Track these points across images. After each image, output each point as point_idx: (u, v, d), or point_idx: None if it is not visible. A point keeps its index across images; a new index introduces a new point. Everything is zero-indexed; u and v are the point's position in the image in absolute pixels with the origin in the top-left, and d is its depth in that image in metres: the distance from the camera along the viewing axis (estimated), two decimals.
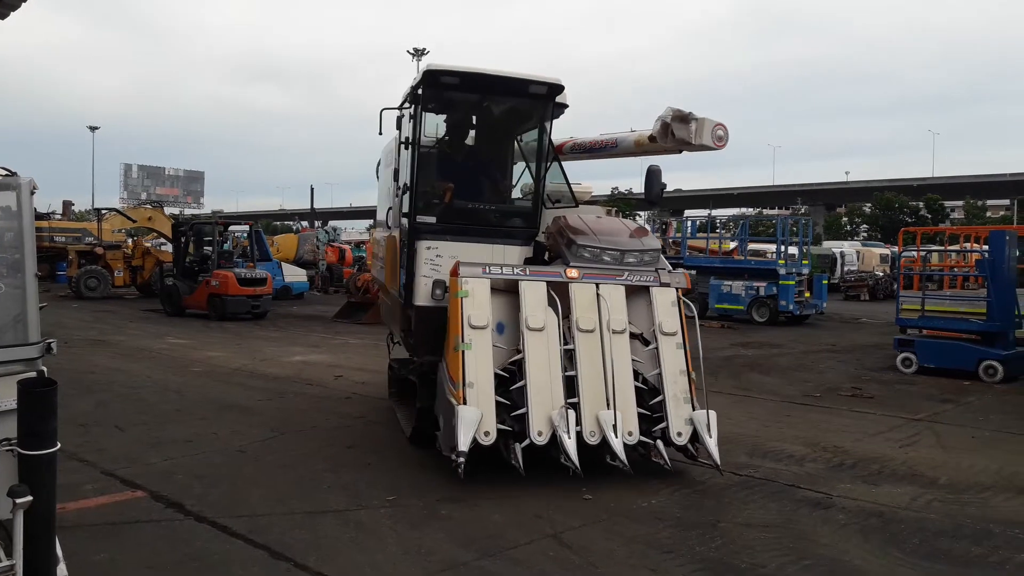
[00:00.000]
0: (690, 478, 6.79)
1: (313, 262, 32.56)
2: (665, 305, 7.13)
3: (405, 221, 7.50)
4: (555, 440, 6.32)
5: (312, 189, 52.53)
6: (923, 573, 4.98)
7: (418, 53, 51.41)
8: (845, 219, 75.98)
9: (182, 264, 22.41)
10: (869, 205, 70.80)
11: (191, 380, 11.50)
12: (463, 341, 6.46)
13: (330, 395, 10.54)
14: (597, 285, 7.00)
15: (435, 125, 7.76)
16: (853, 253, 40.44)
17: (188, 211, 73.18)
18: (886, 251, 40.92)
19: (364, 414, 9.32)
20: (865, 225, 71.00)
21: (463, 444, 6.03)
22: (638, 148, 9.27)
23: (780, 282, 21.79)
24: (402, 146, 7.52)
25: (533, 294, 6.81)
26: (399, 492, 6.32)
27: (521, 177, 8.21)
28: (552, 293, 6.86)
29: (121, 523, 5.58)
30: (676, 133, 8.27)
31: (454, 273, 6.76)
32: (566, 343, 6.71)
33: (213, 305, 20.67)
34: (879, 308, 27.43)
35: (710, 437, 6.67)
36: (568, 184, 8.41)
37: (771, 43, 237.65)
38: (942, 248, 20.77)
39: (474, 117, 8.24)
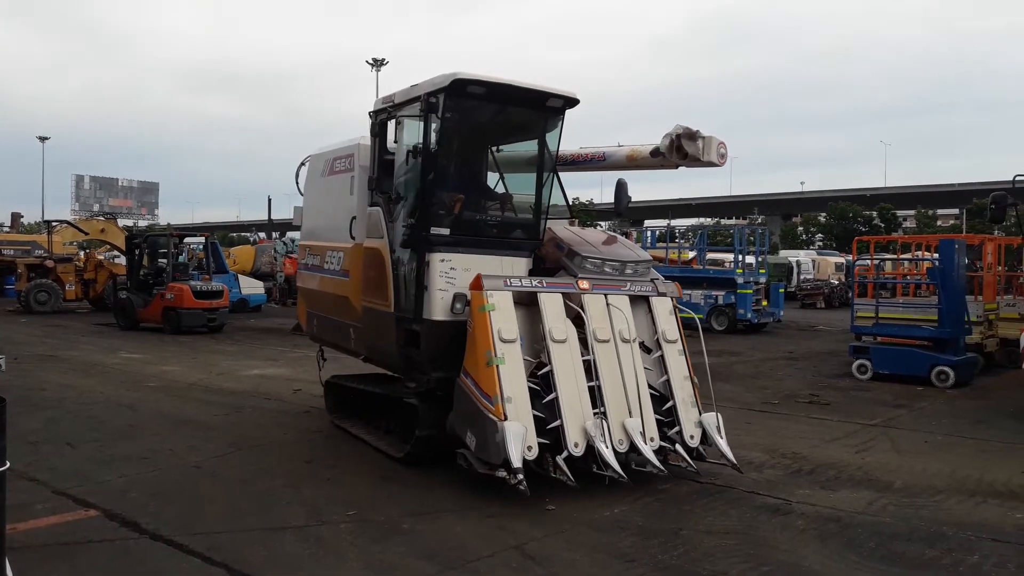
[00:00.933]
0: (652, 487, 6.83)
1: (271, 274, 32.24)
2: (664, 314, 7.42)
3: (404, 231, 7.36)
4: (589, 451, 6.36)
5: (270, 200, 52.35)
6: None
7: (377, 63, 51.49)
8: (801, 228, 77.27)
9: (136, 277, 22.06)
10: (824, 215, 72.13)
11: (145, 395, 11.27)
12: (496, 355, 6.38)
13: (288, 409, 10.40)
14: (606, 296, 7.11)
15: (447, 134, 7.49)
16: (809, 262, 41.22)
17: (142, 223, 71.82)
18: (841, 260, 41.71)
19: (323, 428, 9.21)
20: (820, 234, 72.26)
21: (516, 460, 5.98)
22: (631, 162, 9.27)
23: (738, 291, 22.18)
24: (409, 154, 7.41)
25: (552, 306, 6.83)
26: (359, 507, 6.25)
27: (527, 188, 8.06)
28: (570, 304, 6.91)
29: (74, 543, 5.43)
30: (688, 150, 8.39)
31: (477, 286, 6.66)
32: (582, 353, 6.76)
33: (168, 318, 20.35)
34: (835, 316, 27.94)
35: (721, 438, 6.98)
36: (564, 195, 8.44)
37: (727, 56, 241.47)
38: (895, 257, 21.22)
39: (487, 127, 8.15)
